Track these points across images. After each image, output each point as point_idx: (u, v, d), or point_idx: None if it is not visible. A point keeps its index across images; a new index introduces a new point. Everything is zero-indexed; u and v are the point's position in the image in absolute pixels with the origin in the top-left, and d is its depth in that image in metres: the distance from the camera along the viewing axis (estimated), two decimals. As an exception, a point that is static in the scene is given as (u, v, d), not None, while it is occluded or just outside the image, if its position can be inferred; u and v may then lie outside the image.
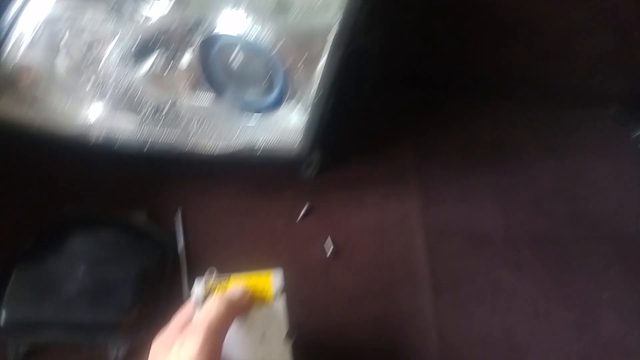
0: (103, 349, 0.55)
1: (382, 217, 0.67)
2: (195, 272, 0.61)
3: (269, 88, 0.59)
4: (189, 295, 0.58)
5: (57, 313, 0.53)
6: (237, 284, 0.46)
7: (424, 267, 0.64)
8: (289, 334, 0.45)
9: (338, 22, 0.56)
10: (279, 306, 0.46)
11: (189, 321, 0.45)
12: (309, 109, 0.59)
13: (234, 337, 0.44)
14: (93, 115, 0.59)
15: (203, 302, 0.45)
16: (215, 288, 0.46)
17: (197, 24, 0.56)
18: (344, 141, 0.71)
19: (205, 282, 0.46)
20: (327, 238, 0.65)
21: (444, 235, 0.66)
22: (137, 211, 0.63)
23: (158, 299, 0.58)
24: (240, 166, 0.69)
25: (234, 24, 0.56)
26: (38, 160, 0.68)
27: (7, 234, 0.62)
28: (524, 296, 0.62)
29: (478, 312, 0.61)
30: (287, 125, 0.60)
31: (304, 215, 0.66)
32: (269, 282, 0.47)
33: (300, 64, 0.57)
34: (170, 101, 0.59)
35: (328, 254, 0.63)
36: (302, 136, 0.61)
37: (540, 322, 0.61)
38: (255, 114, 0.60)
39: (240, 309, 0.45)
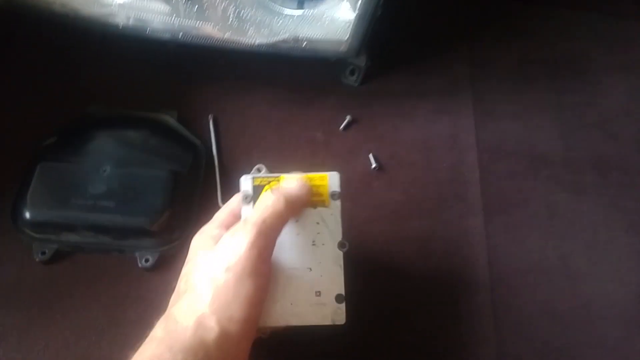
0: (132, 254, 0.50)
1: (431, 132, 0.60)
2: (229, 179, 0.56)
3: (315, -24, 0.51)
4: (223, 203, 0.53)
5: (82, 214, 0.48)
6: (293, 176, 0.40)
7: (475, 187, 0.57)
8: (343, 242, 0.40)
9: None
10: (335, 210, 0.41)
11: (233, 217, 0.41)
12: (359, 2, 0.51)
13: (284, 239, 0.39)
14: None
15: (252, 199, 0.40)
16: (264, 186, 0.40)
17: None
18: (393, 47, 0.63)
19: (253, 179, 0.40)
20: (370, 152, 0.58)
21: (498, 154, 0.59)
22: (167, 113, 0.57)
23: (190, 205, 0.52)
24: (278, 71, 0.62)
25: None
26: (64, 55, 0.62)
27: (29, 130, 0.56)
28: (583, 222, 0.56)
29: (532, 237, 0.55)
30: (334, 20, 0.52)
31: (346, 126, 0.60)
32: (325, 183, 0.41)
33: (352, -52, 0.49)
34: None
35: (372, 169, 0.57)
36: (349, 34, 0.53)
37: (600, 250, 0.55)
38: (298, 6, 0.52)
39: (299, 204, 0.39)
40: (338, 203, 0.41)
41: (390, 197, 0.56)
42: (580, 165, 0.59)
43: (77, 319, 0.48)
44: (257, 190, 0.40)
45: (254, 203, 0.40)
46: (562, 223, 0.56)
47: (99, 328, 0.48)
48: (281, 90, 0.62)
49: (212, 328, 0.34)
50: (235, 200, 0.42)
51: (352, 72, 0.61)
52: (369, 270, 0.52)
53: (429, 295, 0.52)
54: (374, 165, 0.57)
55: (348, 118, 0.60)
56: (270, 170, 0.43)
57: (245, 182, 0.40)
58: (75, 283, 0.50)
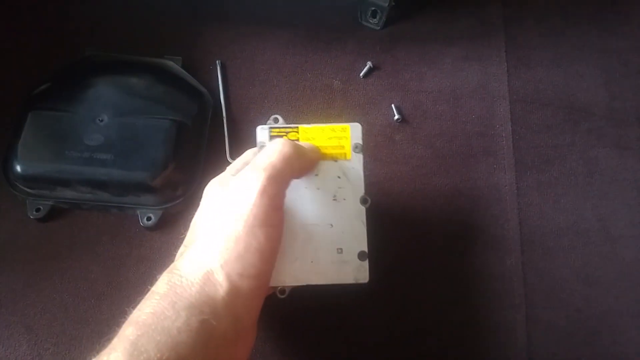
0: (133, 212, 0.44)
1: (459, 81, 0.51)
2: (238, 131, 0.48)
3: None
4: (232, 157, 0.46)
5: (77, 168, 0.41)
6: (306, 142, 0.36)
7: (506, 141, 0.49)
8: (365, 197, 0.36)
9: None
10: (357, 163, 0.36)
11: None
12: None
13: (303, 193, 0.35)
14: None
15: None
16: (282, 137, 0.35)
17: None
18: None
19: (270, 129, 0.35)
20: (393, 102, 0.50)
21: (533, 104, 0.51)
22: (170, 58, 0.49)
23: (195, 159, 0.45)
24: (292, 12, 0.53)
25: None
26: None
27: (20, 76, 0.49)
28: (625, 180, 0.48)
29: (568, 196, 0.47)
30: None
31: (367, 73, 0.51)
32: (346, 135, 0.36)
33: None
34: None
35: (394, 120, 0.49)
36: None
37: (644, 211, 0.47)
38: None
39: (308, 160, 0.35)
40: (360, 156, 0.36)
41: (414, 152, 0.48)
42: (624, 118, 0.50)
43: (75, 281, 0.42)
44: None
45: None
46: (602, 181, 0.48)
47: (98, 290, 0.42)
48: (295, 33, 0.53)
49: (220, 284, 0.29)
50: (250, 153, 0.37)
51: (373, 14, 0.52)
52: (390, 228, 0.45)
53: (455, 255, 0.45)
54: (396, 117, 0.49)
55: (369, 65, 0.51)
56: (287, 121, 0.37)
57: (262, 133, 0.35)
58: (73, 243, 0.44)
